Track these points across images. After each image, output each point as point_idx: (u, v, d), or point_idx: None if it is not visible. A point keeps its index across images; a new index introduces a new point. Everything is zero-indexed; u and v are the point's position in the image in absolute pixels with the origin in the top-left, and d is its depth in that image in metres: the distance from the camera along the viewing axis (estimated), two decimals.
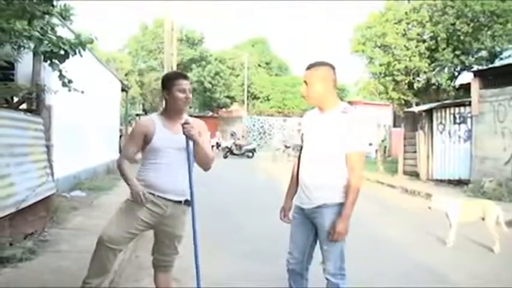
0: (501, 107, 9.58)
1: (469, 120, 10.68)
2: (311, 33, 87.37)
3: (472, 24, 13.16)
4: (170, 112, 2.70)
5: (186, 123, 2.57)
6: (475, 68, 12.02)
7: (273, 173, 13.96)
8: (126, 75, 27.94)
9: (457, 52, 13.53)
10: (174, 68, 17.85)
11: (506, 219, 5.38)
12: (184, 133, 2.57)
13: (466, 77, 13.15)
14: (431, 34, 13.97)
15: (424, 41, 14.12)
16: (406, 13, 14.28)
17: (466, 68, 13.63)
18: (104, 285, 2.84)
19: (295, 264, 2.71)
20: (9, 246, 3.89)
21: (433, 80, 14.29)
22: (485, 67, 11.63)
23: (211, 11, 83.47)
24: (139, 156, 2.77)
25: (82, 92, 5.19)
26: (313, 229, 2.66)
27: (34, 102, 5.58)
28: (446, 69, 14.40)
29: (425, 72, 14.42)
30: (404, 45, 14.03)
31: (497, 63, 12.30)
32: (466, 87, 11.93)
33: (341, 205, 2.51)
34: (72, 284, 3.10)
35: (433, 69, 14.30)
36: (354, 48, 15.85)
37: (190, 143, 2.62)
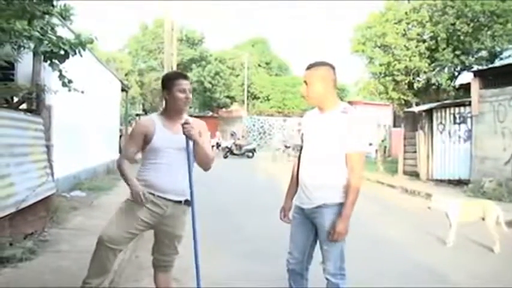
0: (501, 107, 9.58)
1: (469, 120, 10.68)
2: (311, 33, 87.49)
3: (472, 24, 13.15)
4: (170, 112, 2.70)
5: (186, 123, 2.57)
6: (475, 68, 12.02)
7: (273, 173, 13.95)
8: (126, 75, 27.94)
9: (457, 52, 13.53)
10: (174, 68, 17.86)
11: (506, 219, 5.37)
12: (184, 133, 2.57)
13: (466, 77, 13.16)
14: (431, 34, 13.97)
15: (424, 41, 14.12)
16: (406, 13, 14.28)
17: (466, 68, 13.63)
18: (104, 285, 2.84)
19: (295, 264, 2.71)
20: (9, 246, 3.89)
21: (433, 80, 14.29)
22: (485, 67, 11.63)
23: (211, 11, 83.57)
24: (139, 156, 2.77)
25: (82, 92, 5.18)
26: (313, 229, 2.66)
27: (34, 102, 5.58)
28: (446, 69, 14.40)
29: (425, 72, 14.41)
30: (405, 45, 14.03)
31: (497, 63, 12.30)
32: (466, 87, 11.93)
33: (341, 205, 2.51)
34: (72, 284, 3.10)
35: (433, 69, 14.30)
36: (354, 48, 15.85)
37: (190, 143, 2.62)
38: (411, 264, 4.55)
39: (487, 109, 9.95)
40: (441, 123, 11.55)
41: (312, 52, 59.88)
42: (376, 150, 15.74)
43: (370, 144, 15.74)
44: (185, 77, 2.72)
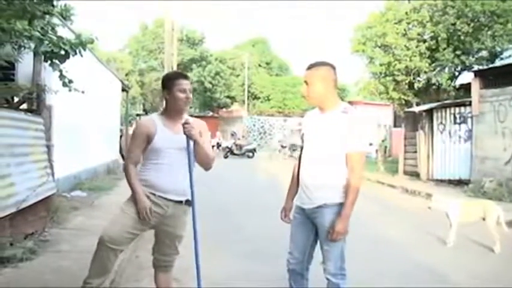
0: (501, 107, 9.58)
1: (469, 120, 10.68)
2: (311, 33, 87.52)
3: (472, 24, 13.14)
4: (171, 112, 2.70)
5: (186, 123, 2.57)
6: (476, 68, 12.01)
7: (273, 173, 13.94)
8: (126, 75, 27.98)
9: (458, 52, 13.52)
10: (175, 68, 17.86)
11: (507, 219, 5.37)
12: (185, 133, 2.57)
13: (466, 77, 13.14)
14: (432, 34, 13.96)
15: (424, 41, 14.10)
16: (406, 13, 14.27)
17: (466, 68, 13.62)
18: (105, 285, 2.84)
19: (296, 264, 2.71)
20: (9, 246, 3.89)
21: (434, 80, 14.28)
22: (485, 67, 11.62)
23: (211, 11, 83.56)
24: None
25: (82, 92, 5.18)
26: (314, 229, 2.66)
27: (34, 102, 5.58)
28: (446, 69, 14.39)
29: (425, 72, 14.40)
30: (405, 45, 14.02)
31: (498, 63, 12.29)
32: (466, 87, 11.93)
33: (341, 205, 2.51)
34: (73, 284, 3.10)
35: (434, 69, 14.29)
36: (354, 48, 15.83)
37: (191, 143, 2.62)
38: (412, 264, 4.55)
39: (488, 109, 9.94)
40: (441, 123, 11.55)
41: (312, 52, 59.85)
42: (377, 150, 15.73)
43: (371, 144, 15.73)
44: (185, 77, 2.71)
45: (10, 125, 4.43)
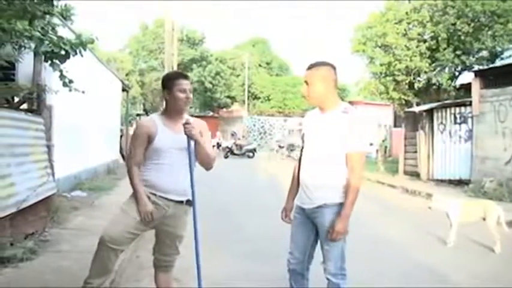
0: (502, 107, 9.58)
1: (469, 120, 10.67)
2: (311, 33, 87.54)
3: (472, 24, 13.13)
4: (171, 112, 2.70)
5: (187, 123, 2.57)
6: (476, 68, 12.01)
7: (273, 173, 13.95)
8: (126, 75, 27.97)
9: (458, 52, 13.51)
10: (175, 68, 17.86)
11: (507, 219, 5.37)
12: (185, 133, 2.57)
13: (466, 77, 13.15)
14: (432, 34, 13.95)
15: (424, 41, 14.10)
16: (406, 13, 14.26)
17: (466, 68, 13.61)
18: (105, 285, 2.84)
19: (296, 264, 2.71)
20: (10, 246, 3.89)
21: (434, 80, 14.27)
22: (486, 67, 11.63)
23: (211, 11, 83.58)
24: None
25: (83, 92, 5.18)
26: (314, 229, 2.66)
27: (35, 102, 5.58)
28: (447, 69, 14.38)
29: (426, 72, 14.39)
30: (405, 45, 14.01)
31: (498, 63, 12.29)
32: (466, 87, 11.93)
33: (341, 205, 2.51)
34: (73, 284, 3.10)
35: (434, 69, 14.28)
36: (354, 48, 15.82)
37: (192, 143, 2.62)
38: (412, 264, 4.55)
39: (488, 109, 9.94)
40: (442, 123, 11.55)
41: (312, 52, 59.97)
42: (377, 150, 15.73)
43: (371, 144, 15.72)
44: (185, 77, 2.71)
45: (10, 125, 4.43)
